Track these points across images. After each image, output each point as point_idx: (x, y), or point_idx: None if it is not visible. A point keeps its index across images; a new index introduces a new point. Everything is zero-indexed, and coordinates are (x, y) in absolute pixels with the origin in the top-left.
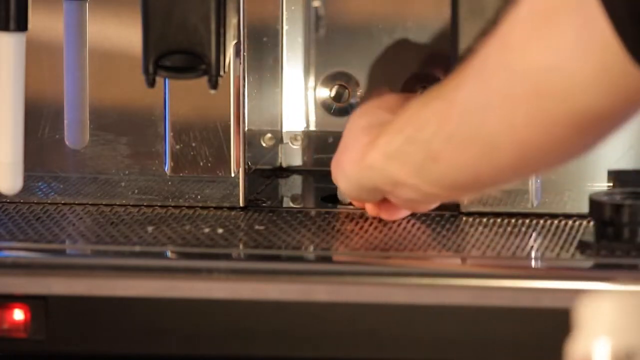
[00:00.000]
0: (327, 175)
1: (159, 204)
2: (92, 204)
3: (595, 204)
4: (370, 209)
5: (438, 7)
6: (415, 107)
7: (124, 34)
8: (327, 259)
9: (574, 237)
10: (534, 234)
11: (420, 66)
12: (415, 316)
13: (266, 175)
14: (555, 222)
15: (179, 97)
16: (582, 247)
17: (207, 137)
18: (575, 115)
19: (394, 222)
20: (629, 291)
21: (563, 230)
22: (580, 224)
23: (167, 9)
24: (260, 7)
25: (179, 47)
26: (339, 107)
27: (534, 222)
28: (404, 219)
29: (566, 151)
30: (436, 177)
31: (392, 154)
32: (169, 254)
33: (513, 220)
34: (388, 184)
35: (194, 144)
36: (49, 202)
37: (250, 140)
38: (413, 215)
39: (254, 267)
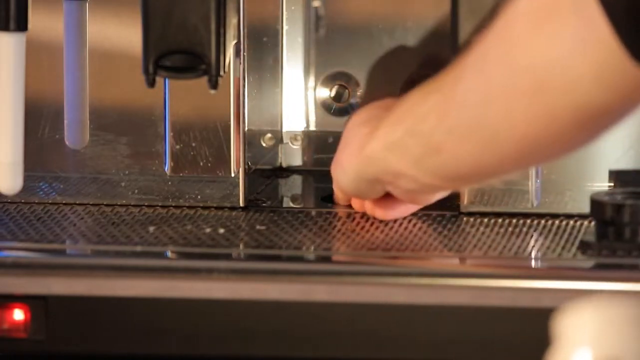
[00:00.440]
0: (327, 175)
1: (160, 204)
2: (93, 204)
3: (596, 203)
4: (367, 206)
5: (438, 7)
6: (415, 99)
7: (124, 34)
8: (327, 259)
9: (575, 237)
10: (535, 234)
11: (420, 66)
12: (415, 316)
13: (266, 175)
14: (557, 222)
15: (179, 97)
16: (583, 247)
17: (207, 137)
18: (575, 110)
19: (394, 222)
20: (612, 298)
21: (564, 230)
22: (581, 224)
23: (167, 9)
24: (260, 7)
25: (179, 47)
26: (339, 107)
27: (535, 222)
28: (404, 219)
29: (566, 144)
30: (436, 169)
31: (391, 145)
32: (168, 254)
33: (514, 221)
34: (388, 174)
35: (194, 144)
36: (50, 202)
37: (250, 140)
38: (414, 215)
39: (254, 267)
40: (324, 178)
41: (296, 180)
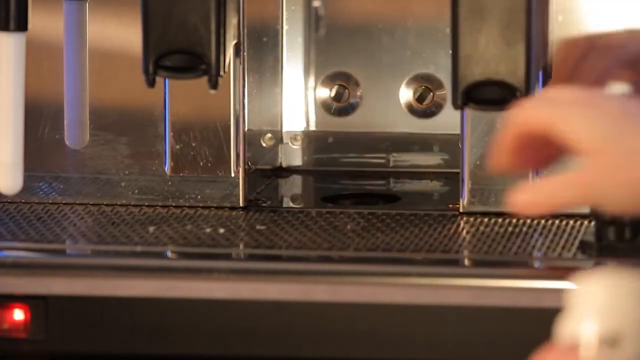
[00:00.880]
0: (327, 175)
1: (160, 204)
2: (93, 204)
3: None
4: None
5: (438, 7)
6: None
7: (124, 34)
8: (327, 259)
9: (575, 237)
10: (535, 234)
11: (420, 66)
12: (415, 316)
13: (266, 175)
14: (557, 222)
15: (179, 97)
16: (584, 247)
17: (207, 137)
18: None
19: (394, 222)
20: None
21: (564, 230)
22: (581, 224)
23: (167, 9)
24: (260, 7)
25: (179, 47)
26: (339, 107)
27: (535, 222)
28: (405, 219)
29: None
30: None
31: None
32: (168, 253)
33: (514, 220)
34: None
35: (194, 144)
36: (50, 202)
37: (250, 140)
38: (414, 215)
39: (254, 267)
40: (324, 178)
41: (296, 180)
